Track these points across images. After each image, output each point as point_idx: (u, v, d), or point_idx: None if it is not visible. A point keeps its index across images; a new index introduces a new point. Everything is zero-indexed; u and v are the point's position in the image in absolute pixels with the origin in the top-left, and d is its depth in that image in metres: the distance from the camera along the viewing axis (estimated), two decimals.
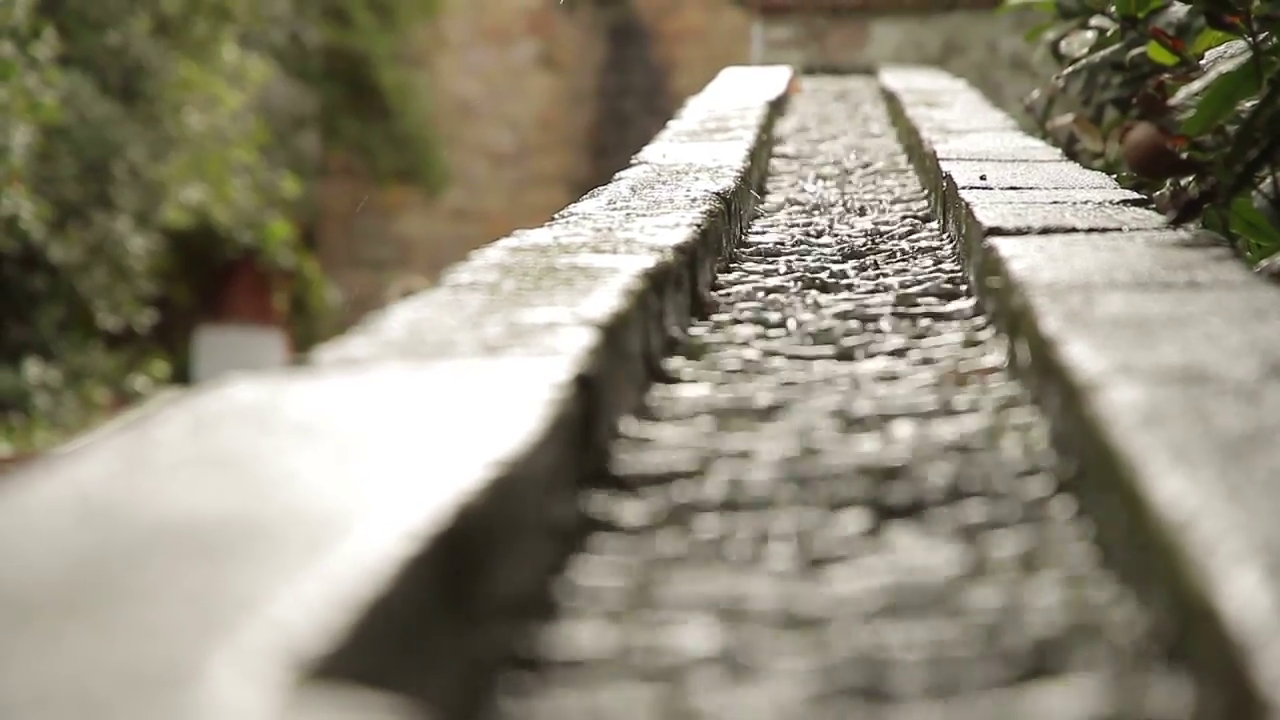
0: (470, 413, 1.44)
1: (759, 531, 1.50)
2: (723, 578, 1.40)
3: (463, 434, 1.35)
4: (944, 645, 1.24)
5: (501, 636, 1.22)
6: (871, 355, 2.19)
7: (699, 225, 2.62)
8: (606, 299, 1.95)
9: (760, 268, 2.87)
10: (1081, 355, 1.60)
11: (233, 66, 13.75)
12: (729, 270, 2.83)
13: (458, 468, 1.23)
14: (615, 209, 2.83)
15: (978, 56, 9.08)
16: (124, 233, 12.44)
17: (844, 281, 2.72)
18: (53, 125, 11.51)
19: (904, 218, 3.45)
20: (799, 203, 3.75)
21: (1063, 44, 4.24)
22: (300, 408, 1.45)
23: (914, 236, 3.20)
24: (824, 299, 2.57)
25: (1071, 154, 3.90)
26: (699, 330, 2.35)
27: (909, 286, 2.64)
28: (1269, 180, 2.47)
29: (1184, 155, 2.50)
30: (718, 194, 3.01)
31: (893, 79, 6.65)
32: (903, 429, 1.82)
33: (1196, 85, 2.46)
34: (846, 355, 2.19)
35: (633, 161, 3.67)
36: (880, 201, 3.73)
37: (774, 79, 6.73)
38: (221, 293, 15.56)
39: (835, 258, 2.96)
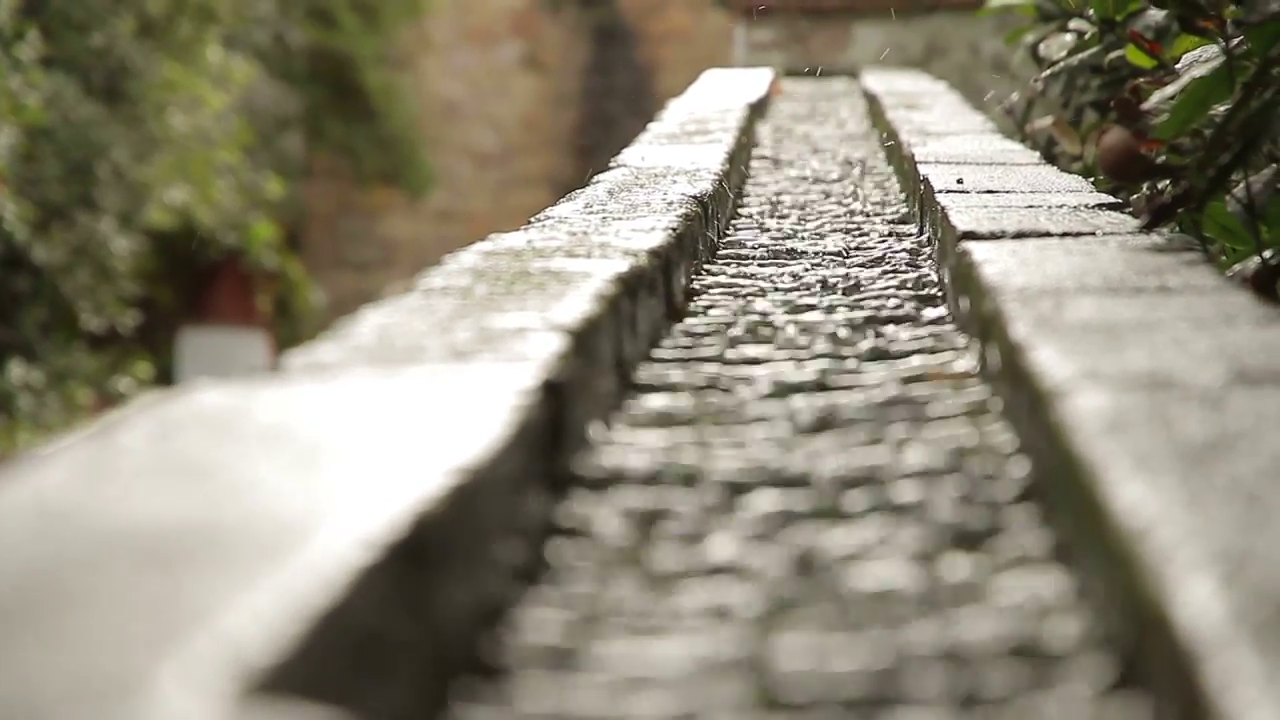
0: (436, 419, 1.44)
1: (727, 530, 1.51)
2: (694, 582, 1.40)
3: (427, 441, 1.35)
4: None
5: (462, 644, 1.22)
6: (843, 359, 2.19)
7: (674, 229, 2.62)
8: (578, 304, 1.94)
9: (736, 270, 2.86)
10: (1049, 361, 1.60)
11: (217, 68, 13.72)
12: (701, 274, 2.83)
13: (419, 475, 1.23)
14: (591, 212, 2.83)
15: (960, 59, 9.08)
16: (108, 234, 12.40)
17: (819, 289, 2.72)
18: (36, 126, 11.48)
19: (883, 223, 3.45)
20: (778, 204, 3.75)
21: (1041, 47, 4.25)
22: (266, 414, 1.44)
23: (890, 248, 3.20)
24: (801, 311, 2.57)
25: (1050, 157, 3.90)
26: (672, 335, 2.35)
27: (884, 296, 2.63)
28: (1242, 184, 2.48)
29: (1158, 159, 2.50)
30: (695, 197, 3.00)
31: (874, 81, 6.66)
32: (861, 433, 1.82)
33: (1170, 89, 2.46)
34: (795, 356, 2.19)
35: (611, 164, 3.67)
36: (861, 209, 3.73)
37: (756, 81, 6.73)
38: (205, 294, 15.53)
39: (809, 266, 2.95)
